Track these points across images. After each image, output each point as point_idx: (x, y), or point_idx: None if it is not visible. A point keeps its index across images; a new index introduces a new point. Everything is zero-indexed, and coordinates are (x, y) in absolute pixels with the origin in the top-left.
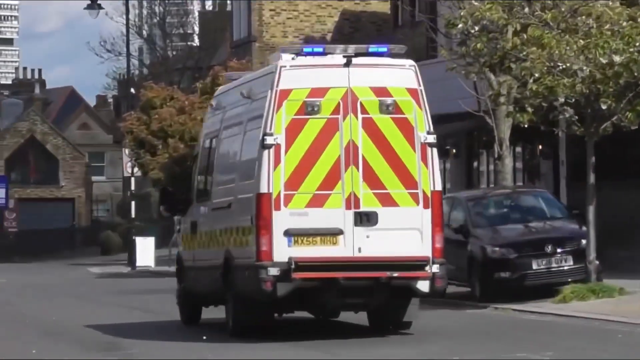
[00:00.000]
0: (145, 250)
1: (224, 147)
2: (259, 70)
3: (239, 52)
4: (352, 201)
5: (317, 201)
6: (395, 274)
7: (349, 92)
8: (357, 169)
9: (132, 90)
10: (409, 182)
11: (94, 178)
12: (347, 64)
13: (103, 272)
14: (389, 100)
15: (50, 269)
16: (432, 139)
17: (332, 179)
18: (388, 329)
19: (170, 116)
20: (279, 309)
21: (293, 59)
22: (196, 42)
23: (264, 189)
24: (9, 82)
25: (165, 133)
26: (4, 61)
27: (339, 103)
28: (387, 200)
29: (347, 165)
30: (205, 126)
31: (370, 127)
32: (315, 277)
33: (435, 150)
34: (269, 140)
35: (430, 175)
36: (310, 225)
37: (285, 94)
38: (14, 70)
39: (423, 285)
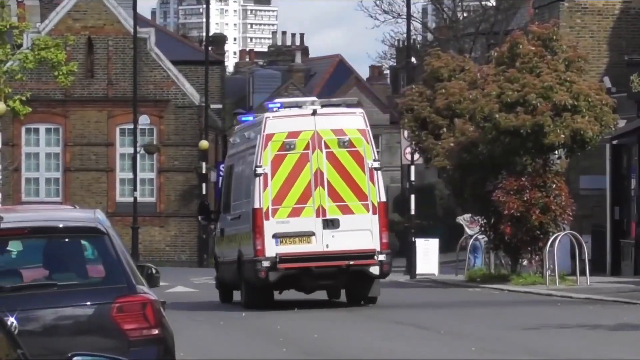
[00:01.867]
0: (428, 254)
1: (237, 173)
2: (258, 117)
3: (543, 13)
4: (320, 211)
5: (295, 212)
6: (352, 262)
7: (316, 134)
8: (323, 188)
9: (413, 59)
10: (361, 196)
11: None
12: (314, 114)
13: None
14: (345, 138)
15: None
16: (377, 164)
17: (305, 196)
18: (360, 303)
19: (459, 91)
20: (274, 289)
21: (276, 110)
22: (491, 2)
23: (257, 205)
24: (265, 49)
25: (453, 111)
26: (260, 24)
27: (308, 142)
28: (346, 210)
29: (316, 186)
30: (227, 155)
31: (332, 158)
32: (294, 267)
33: (380, 172)
34: (259, 170)
35: (377, 191)
36: (291, 229)
37: (269, 137)
38: (270, 36)
39: (374, 270)
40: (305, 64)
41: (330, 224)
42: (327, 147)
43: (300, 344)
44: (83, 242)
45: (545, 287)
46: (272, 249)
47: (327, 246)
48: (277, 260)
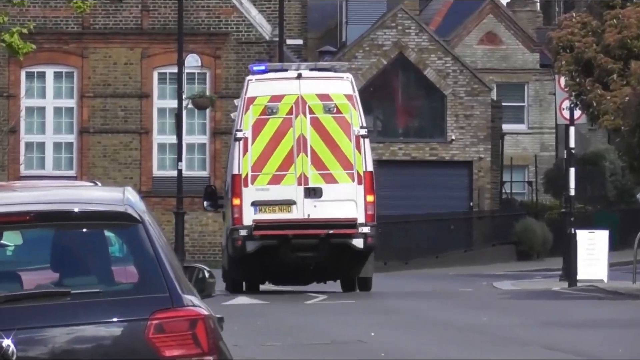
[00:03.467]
0: (594, 252)
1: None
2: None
3: None
4: (302, 179)
5: (276, 180)
6: (331, 231)
7: (300, 98)
8: (306, 155)
9: None
10: (346, 164)
11: (506, 127)
12: (298, 77)
13: (517, 290)
14: (330, 103)
15: (428, 278)
16: (364, 132)
17: (287, 163)
18: (355, 291)
19: (638, 22)
20: (250, 267)
21: (261, 73)
22: None
23: (235, 170)
24: None
25: (629, 50)
26: None
27: (292, 106)
28: (329, 178)
29: (298, 153)
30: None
31: (316, 124)
32: (270, 234)
33: (367, 140)
34: (239, 134)
35: (363, 160)
36: (270, 197)
37: (251, 100)
38: None
39: (357, 242)
40: None
41: (313, 192)
42: (311, 112)
43: None
44: (107, 233)
45: None
46: (250, 217)
47: (309, 216)
48: (253, 226)
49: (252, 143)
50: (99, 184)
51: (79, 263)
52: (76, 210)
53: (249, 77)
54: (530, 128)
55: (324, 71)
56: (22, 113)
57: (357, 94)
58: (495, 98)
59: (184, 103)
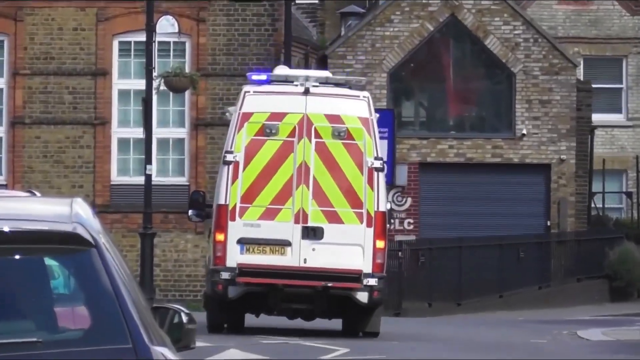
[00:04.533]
0: None
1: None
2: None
3: None
4: (300, 216)
5: (269, 214)
6: (330, 284)
7: (305, 118)
8: (308, 187)
9: None
10: (354, 202)
11: (597, 118)
12: (305, 92)
13: (610, 341)
14: (341, 127)
15: (489, 324)
16: (378, 164)
17: (284, 195)
18: (358, 335)
19: None
20: (234, 310)
21: (261, 84)
22: None
23: (222, 200)
24: None
25: None
26: None
27: (295, 127)
28: (333, 217)
29: (298, 184)
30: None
31: (322, 151)
32: (256, 282)
33: (381, 174)
34: (229, 157)
35: (375, 197)
36: (261, 235)
37: (247, 116)
38: None
39: (362, 297)
40: None
41: (312, 233)
42: (317, 135)
43: None
44: (49, 261)
45: None
46: (234, 257)
47: (305, 261)
48: (236, 272)
49: (244, 169)
50: (38, 194)
51: (9, 302)
52: (5, 229)
53: (246, 87)
54: (629, 119)
55: (338, 87)
56: None
57: (374, 117)
58: (582, 77)
59: (155, 83)
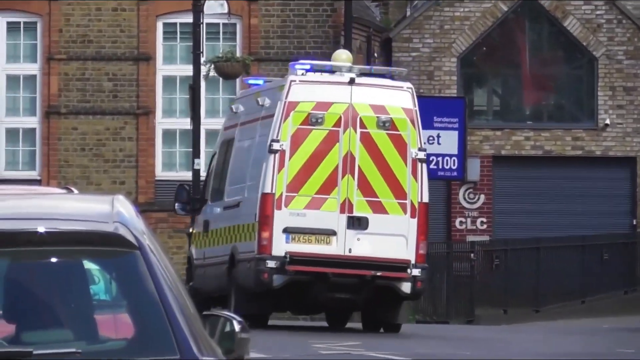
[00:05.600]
0: None
1: (238, 149)
2: (274, 80)
3: None
4: (346, 206)
5: (315, 204)
6: (379, 273)
7: (350, 108)
8: (353, 177)
9: None
10: (399, 192)
11: None
12: (351, 82)
13: None
14: (386, 117)
15: (570, 332)
16: (422, 155)
17: (329, 185)
18: (379, 330)
19: None
20: (274, 301)
21: (303, 74)
22: None
23: (267, 189)
24: None
25: None
26: None
27: (340, 117)
28: (378, 208)
29: (344, 174)
30: (223, 127)
31: (367, 141)
32: (307, 270)
33: (424, 165)
34: (275, 146)
35: (419, 188)
36: (307, 224)
37: (292, 105)
38: None
39: (405, 287)
40: None
41: (357, 223)
42: (362, 126)
43: None
44: (89, 265)
45: None
46: (280, 246)
47: (350, 250)
48: (287, 260)
49: (290, 157)
50: (75, 191)
51: (45, 309)
52: (41, 230)
53: (291, 76)
54: None
55: (380, 77)
56: None
57: (417, 108)
58: None
59: (203, 69)
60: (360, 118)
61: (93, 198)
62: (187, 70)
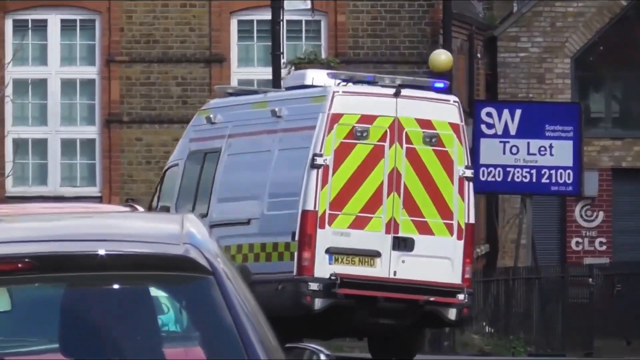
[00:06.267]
0: None
1: (235, 162)
2: (292, 92)
3: None
4: (391, 226)
5: (359, 223)
6: (432, 298)
7: (396, 122)
8: (399, 195)
9: None
10: (445, 212)
11: None
12: (397, 95)
13: None
14: (432, 132)
15: None
16: (469, 173)
17: (374, 203)
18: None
19: None
20: (310, 326)
21: (338, 84)
22: None
23: (310, 206)
24: None
25: None
26: None
27: (386, 131)
28: (424, 228)
29: (389, 191)
30: (190, 139)
31: (413, 157)
32: (357, 294)
33: (471, 184)
34: (319, 160)
35: (466, 208)
36: (351, 245)
37: (336, 117)
38: None
39: (451, 313)
40: None
41: (403, 244)
42: (408, 141)
43: None
44: (156, 292)
45: None
46: (324, 267)
47: (395, 273)
48: (338, 282)
49: (334, 173)
50: (140, 209)
51: (107, 343)
52: (102, 252)
53: (332, 87)
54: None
55: (422, 89)
56: (8, 89)
57: (464, 123)
58: None
59: (284, 72)
60: (406, 132)
61: (160, 217)
62: (265, 73)
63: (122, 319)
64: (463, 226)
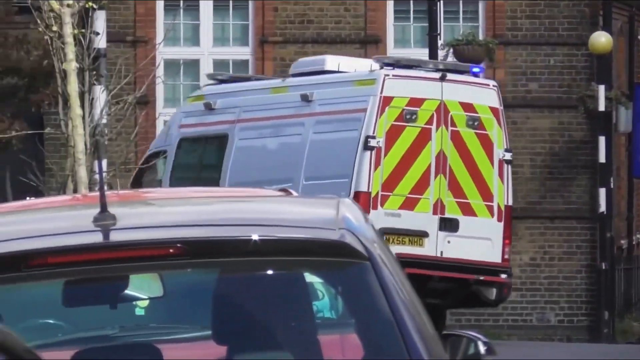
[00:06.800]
0: None
1: (251, 147)
2: (323, 76)
3: None
4: (438, 207)
5: (408, 204)
6: (482, 277)
7: (442, 105)
8: (445, 177)
9: None
10: (486, 194)
11: None
12: (442, 78)
13: None
14: (474, 116)
15: None
16: (509, 156)
17: (422, 185)
18: None
19: None
20: None
21: (381, 67)
22: None
23: (364, 187)
24: None
25: None
26: None
27: (433, 114)
28: (468, 210)
29: (436, 173)
30: (179, 126)
31: (457, 140)
32: (411, 272)
33: (510, 167)
34: (372, 142)
35: (505, 190)
36: (401, 225)
37: (388, 100)
38: None
39: (491, 293)
40: None
41: (449, 224)
42: (452, 124)
43: None
44: (311, 278)
45: None
46: None
47: (441, 253)
48: None
49: (385, 155)
50: (295, 194)
51: (261, 329)
52: (255, 237)
53: (383, 70)
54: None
55: (462, 74)
56: (159, 70)
57: (502, 107)
58: None
59: (441, 54)
60: (451, 116)
61: (315, 201)
62: (422, 54)
63: (276, 306)
64: (502, 208)
